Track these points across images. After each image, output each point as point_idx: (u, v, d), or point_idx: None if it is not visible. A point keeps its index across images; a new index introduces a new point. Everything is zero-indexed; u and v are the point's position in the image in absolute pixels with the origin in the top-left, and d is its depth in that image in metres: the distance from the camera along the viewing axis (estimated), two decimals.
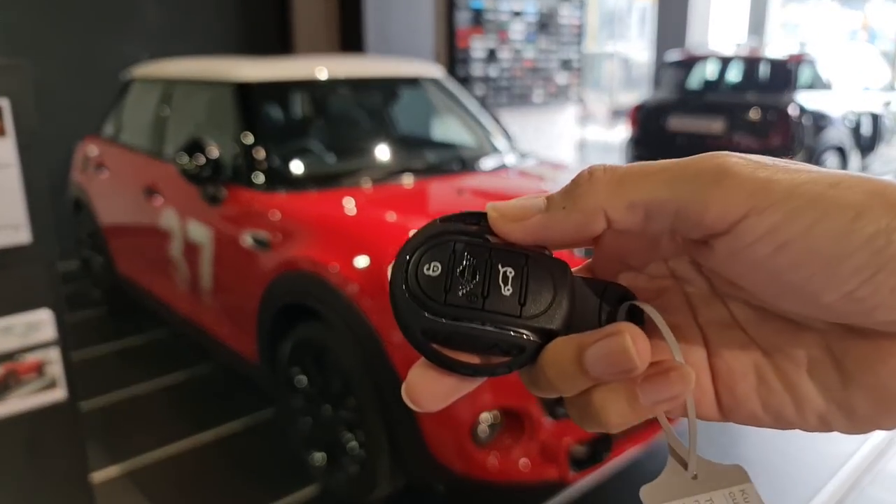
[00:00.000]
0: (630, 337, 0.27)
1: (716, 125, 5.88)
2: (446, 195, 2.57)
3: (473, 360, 0.29)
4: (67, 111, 5.46)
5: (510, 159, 3.12)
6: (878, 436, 2.61)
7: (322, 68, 3.03)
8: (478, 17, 7.98)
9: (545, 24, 8.69)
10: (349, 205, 2.44)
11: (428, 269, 0.29)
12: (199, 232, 2.86)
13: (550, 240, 0.29)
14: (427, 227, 0.31)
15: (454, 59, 7.88)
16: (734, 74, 6.29)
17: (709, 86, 6.39)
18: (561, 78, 9.10)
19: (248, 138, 2.77)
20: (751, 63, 6.16)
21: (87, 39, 5.50)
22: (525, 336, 0.28)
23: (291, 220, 2.44)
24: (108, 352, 3.59)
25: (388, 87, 3.35)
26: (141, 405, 3.05)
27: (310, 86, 3.13)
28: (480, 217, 0.31)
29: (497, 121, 3.56)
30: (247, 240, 2.55)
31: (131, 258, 3.72)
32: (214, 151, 2.72)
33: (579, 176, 0.29)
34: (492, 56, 8.20)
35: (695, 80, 6.53)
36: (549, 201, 0.30)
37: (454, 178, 2.77)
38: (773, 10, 11.48)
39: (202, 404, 3.07)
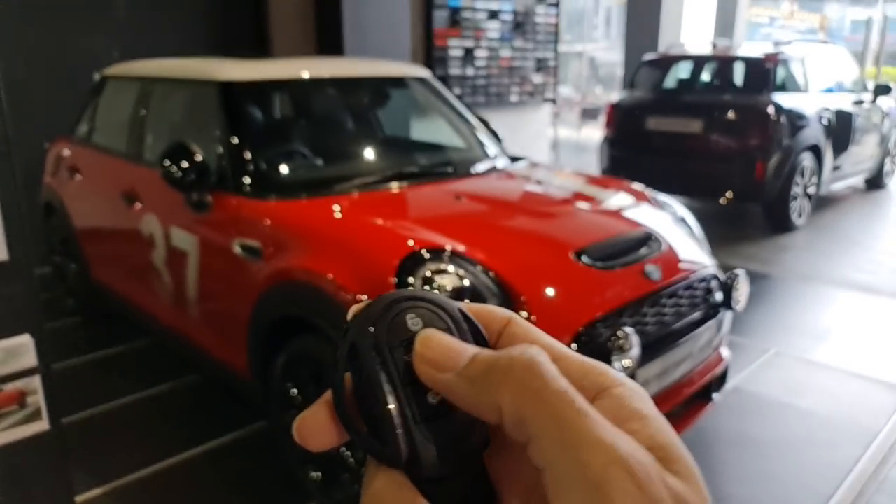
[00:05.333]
0: None
1: (694, 125, 5.91)
2: (443, 201, 2.51)
3: (361, 424, 0.29)
4: (36, 110, 5.25)
5: (502, 162, 3.07)
6: (880, 442, 2.63)
7: (309, 68, 2.94)
8: (455, 17, 7.92)
9: (521, 23, 8.67)
10: (344, 212, 2.36)
11: (411, 321, 0.29)
12: (184, 239, 2.75)
13: (454, 401, 0.28)
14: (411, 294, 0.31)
15: (432, 58, 7.82)
16: (711, 74, 6.34)
17: (686, 85, 6.43)
18: (536, 77, 9.10)
19: (235, 141, 2.67)
20: (728, 63, 6.22)
21: (56, 35, 5.30)
22: (401, 444, 0.28)
23: (284, 228, 2.35)
24: (85, 363, 3.44)
25: (378, 88, 3.27)
26: (123, 420, 2.93)
27: (298, 86, 3.03)
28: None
29: (485, 122, 3.51)
30: (236, 248, 2.45)
31: (108, 265, 3.57)
32: (199, 155, 2.62)
33: (498, 360, 0.28)
34: (468, 55, 8.16)
35: (672, 79, 6.56)
36: (467, 367, 0.28)
37: (448, 183, 2.70)
38: (742, 10, 11.65)
39: (188, 417, 2.96)
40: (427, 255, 1.95)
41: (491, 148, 3.24)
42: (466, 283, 1.91)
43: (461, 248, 2.02)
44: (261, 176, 2.63)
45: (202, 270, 2.67)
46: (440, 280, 1.89)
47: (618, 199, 2.69)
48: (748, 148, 5.60)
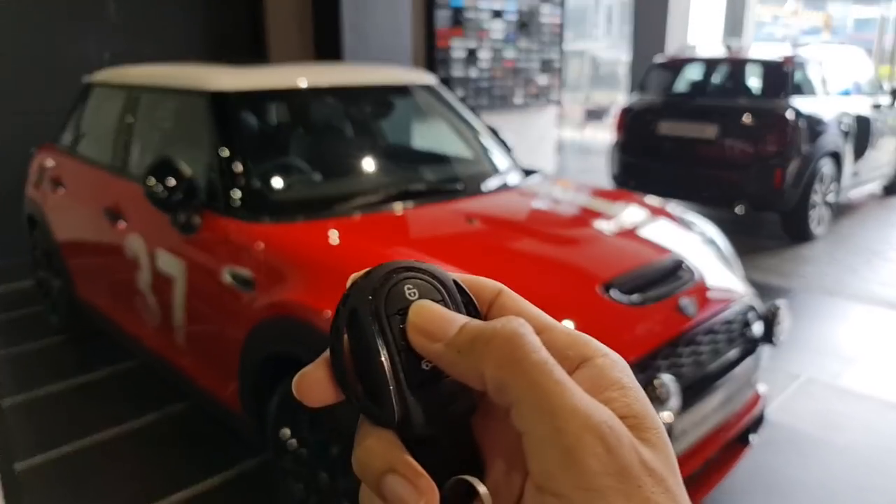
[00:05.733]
0: (426, 502, 0.29)
1: (708, 130, 5.68)
2: (454, 224, 2.28)
3: (354, 379, 0.30)
4: (22, 115, 5.03)
5: (515, 177, 2.85)
6: None
7: (307, 76, 2.71)
8: (457, 17, 7.69)
9: (525, 23, 8.44)
10: (344, 238, 2.14)
11: (408, 291, 0.31)
12: (170, 263, 2.53)
13: (444, 368, 0.30)
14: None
15: (433, 60, 7.59)
16: (725, 77, 6.11)
17: (699, 89, 6.19)
18: (541, 79, 8.87)
19: (226, 157, 2.45)
20: (743, 65, 5.99)
21: (45, 37, 5.08)
22: (394, 405, 0.29)
23: (278, 255, 2.13)
24: (67, 389, 3.22)
25: (381, 98, 3.05)
26: (106, 455, 2.71)
27: (294, 96, 2.80)
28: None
29: (494, 132, 3.29)
30: (226, 277, 2.23)
31: (93, 283, 3.36)
32: (187, 172, 2.40)
33: (483, 332, 0.29)
34: (471, 56, 7.93)
35: (684, 82, 6.33)
36: (455, 337, 0.29)
37: (459, 202, 2.48)
38: (751, 9, 11.40)
39: (174, 454, 2.74)
40: None
41: (502, 161, 3.01)
42: None
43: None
44: (253, 195, 2.41)
45: (189, 298, 2.45)
46: None
47: (643, 221, 2.47)
48: (766, 154, 5.38)
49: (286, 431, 2.06)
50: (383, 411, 0.29)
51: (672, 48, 10.24)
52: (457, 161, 2.99)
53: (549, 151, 9.62)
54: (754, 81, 5.85)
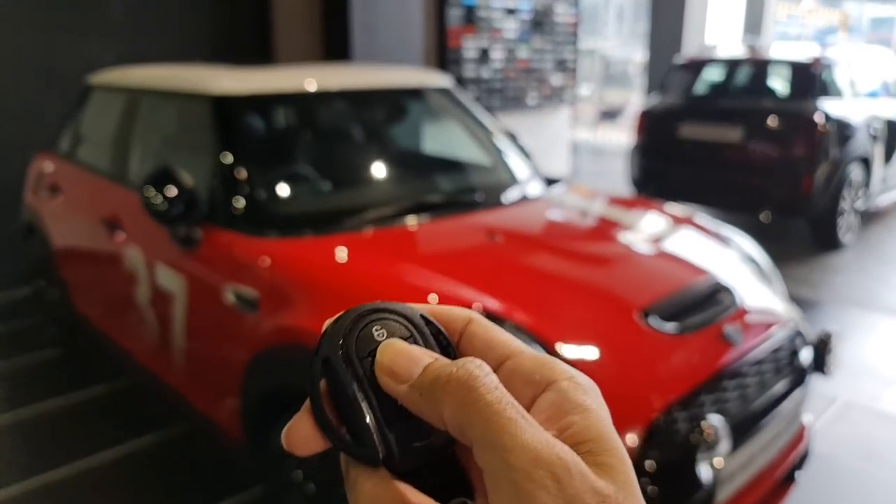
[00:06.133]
0: None
1: (732, 133, 5.48)
2: (475, 241, 2.11)
3: (336, 424, 0.31)
4: (22, 118, 4.90)
5: (536, 187, 2.67)
6: None
7: (315, 79, 2.55)
8: (470, 15, 7.51)
9: (539, 22, 8.25)
10: (357, 256, 1.97)
11: (376, 333, 0.32)
12: (170, 279, 2.37)
13: (410, 409, 0.31)
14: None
15: (445, 59, 7.41)
16: (750, 78, 5.89)
17: (722, 90, 5.98)
18: (556, 79, 8.68)
19: (229, 166, 2.29)
20: (769, 66, 5.77)
21: (45, 38, 4.94)
22: (377, 444, 0.30)
23: (284, 275, 1.96)
24: (60, 408, 3.07)
25: (393, 102, 2.88)
26: (95, 484, 2.55)
27: (302, 100, 2.64)
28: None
29: (513, 137, 3.11)
30: (228, 296, 2.07)
31: (90, 297, 3.21)
32: (187, 182, 2.24)
33: (439, 375, 0.30)
34: (484, 56, 7.75)
35: (706, 84, 6.12)
36: (418, 379, 0.30)
37: (478, 215, 2.31)
38: (771, 7, 11.15)
39: (172, 481, 2.58)
40: None
41: (523, 169, 2.84)
42: None
43: (500, 306, 1.63)
44: (258, 208, 2.24)
45: (190, 317, 2.29)
46: None
47: (678, 237, 2.29)
48: (794, 159, 5.17)
49: (295, 471, 1.90)
50: (367, 451, 0.30)
51: (689, 48, 10.02)
52: (475, 170, 2.81)
53: (563, 153, 9.42)
54: (780, 83, 5.64)
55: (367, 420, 0.30)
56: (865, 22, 24.73)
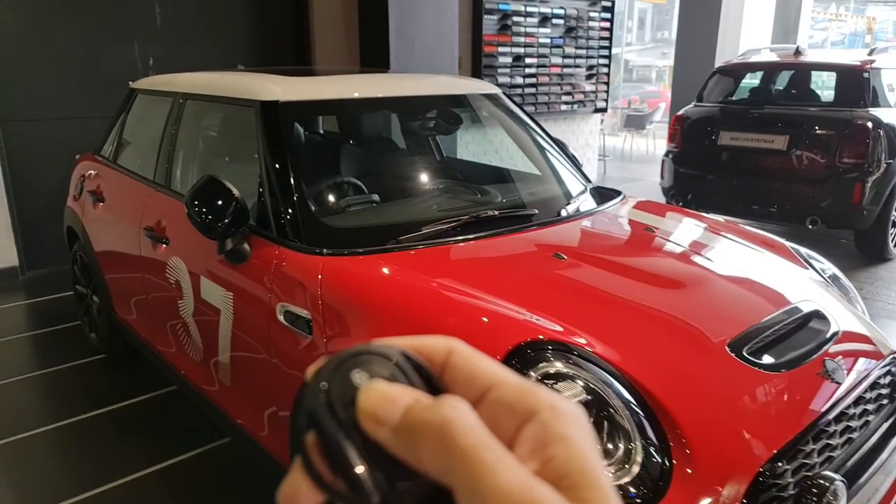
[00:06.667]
0: None
1: (777, 141, 5.30)
2: (540, 261, 1.98)
3: (329, 476, 0.30)
4: (65, 120, 4.88)
5: (596, 200, 2.54)
6: None
7: (368, 86, 2.44)
8: (505, 21, 7.39)
9: (572, 27, 8.11)
10: (418, 278, 1.85)
11: (357, 376, 0.31)
12: (216, 294, 2.27)
13: (394, 453, 0.30)
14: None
15: (479, 66, 7.30)
16: (795, 84, 5.71)
17: (765, 96, 5.79)
18: (587, 85, 8.53)
19: (279, 176, 2.19)
20: (815, 72, 5.58)
21: (87, 40, 4.92)
22: (370, 492, 0.29)
23: (339, 295, 1.85)
24: (99, 417, 3.00)
25: (445, 110, 2.76)
26: (144, 494, 2.46)
27: (356, 107, 2.53)
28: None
29: (562, 146, 2.98)
30: (280, 315, 1.96)
31: (132, 304, 3.13)
32: (235, 194, 2.14)
33: (415, 421, 0.29)
34: (517, 62, 7.62)
35: (748, 89, 5.94)
36: (398, 424, 0.29)
37: (539, 233, 2.18)
38: (806, 12, 10.89)
39: (215, 495, 2.48)
40: (545, 351, 1.43)
41: (577, 181, 2.71)
42: (591, 395, 1.38)
43: (580, 338, 1.50)
44: (310, 221, 2.14)
45: (237, 334, 2.19)
46: (561, 390, 1.37)
47: (757, 257, 2.14)
48: (843, 167, 4.97)
49: None
50: (362, 499, 0.29)
51: (724, 54, 9.80)
52: (530, 181, 2.68)
53: (593, 160, 9.26)
54: (828, 89, 5.44)
55: (358, 468, 0.29)
56: (892, 27, 24.28)
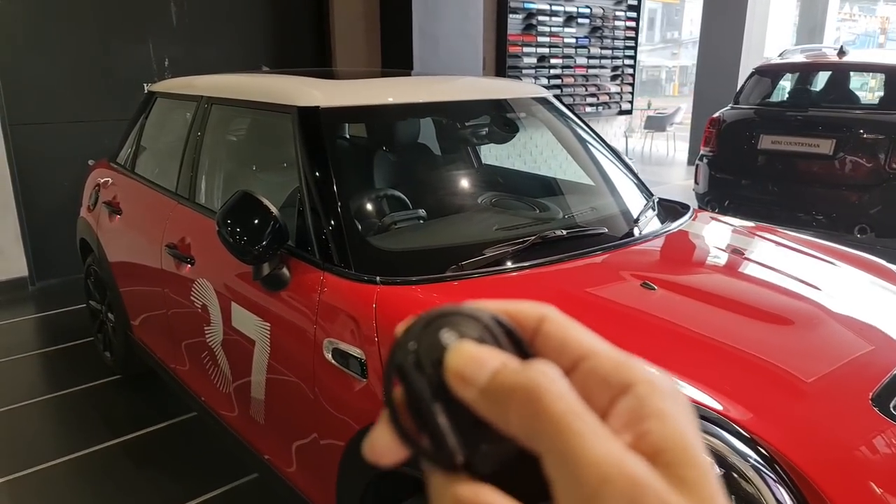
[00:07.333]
0: None
1: (822, 145, 5.03)
2: (629, 293, 1.73)
3: (414, 432, 0.30)
4: (78, 123, 4.66)
5: (667, 217, 2.29)
6: None
7: (418, 90, 2.20)
8: (530, 21, 7.14)
9: (598, 27, 7.85)
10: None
11: (447, 336, 0.31)
12: (250, 324, 2.04)
13: (480, 414, 0.29)
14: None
15: (503, 66, 7.06)
16: (839, 85, 5.44)
17: (808, 98, 5.52)
18: (612, 86, 8.27)
19: (322, 191, 1.95)
20: (861, 72, 5.31)
21: (101, 41, 4.70)
22: (454, 450, 0.29)
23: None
24: (119, 445, 2.77)
25: (499, 116, 2.51)
26: None
27: (405, 114, 2.29)
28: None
29: (617, 153, 2.74)
30: (327, 353, 1.72)
31: (152, 325, 2.90)
32: (272, 211, 1.90)
33: (504, 383, 0.28)
34: (542, 62, 7.37)
35: (788, 91, 5.67)
36: (486, 385, 0.28)
37: (615, 255, 1.93)
38: (833, 12, 10.59)
39: None
40: None
41: (640, 193, 2.46)
42: (726, 469, 1.13)
43: (710, 399, 1.25)
44: (358, 242, 1.90)
45: (275, 370, 1.95)
46: None
47: (867, 284, 1.88)
48: (894, 173, 4.70)
49: None
50: (446, 456, 0.29)
51: (749, 54, 9.52)
52: (588, 194, 2.43)
53: None
54: (875, 90, 5.17)
55: (443, 425, 0.29)
56: None
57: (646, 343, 1.43)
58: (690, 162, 9.66)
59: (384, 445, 0.31)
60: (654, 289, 1.69)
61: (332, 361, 1.70)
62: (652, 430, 0.26)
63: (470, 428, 0.29)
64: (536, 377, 0.27)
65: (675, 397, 0.28)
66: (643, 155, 11.80)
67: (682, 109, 12.23)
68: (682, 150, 11.42)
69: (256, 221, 1.88)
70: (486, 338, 0.31)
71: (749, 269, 1.92)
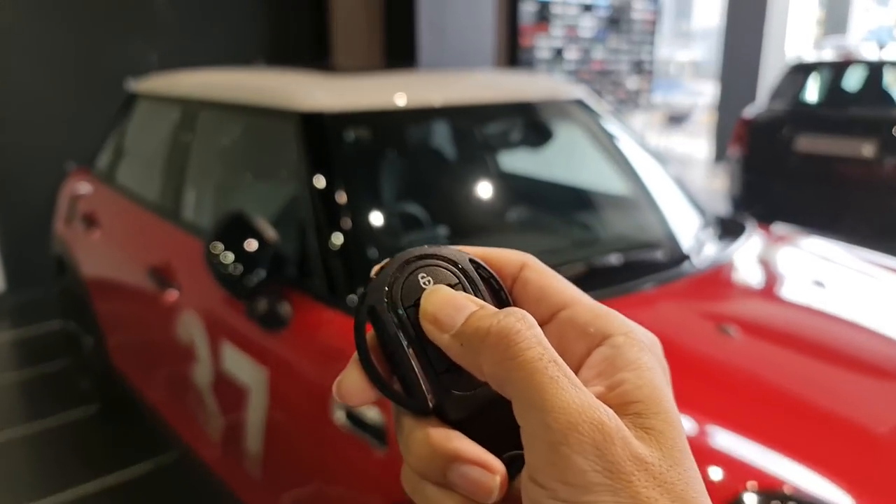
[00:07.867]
0: (500, 479, 0.28)
1: (865, 148, 4.69)
2: (703, 337, 1.40)
3: (385, 375, 0.30)
4: (58, 124, 4.34)
5: (714, 239, 1.96)
6: None
7: (434, 89, 1.87)
8: (543, 12, 6.80)
9: (616, 19, 7.50)
10: None
11: (422, 280, 0.30)
12: (244, 368, 1.72)
13: (452, 359, 0.30)
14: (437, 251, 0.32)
15: (516, 59, 6.71)
16: (881, 84, 5.08)
17: (847, 97, 5.17)
18: (631, 82, 7.92)
19: (329, 212, 1.63)
20: None
21: (84, 36, 4.37)
22: (426, 393, 0.29)
23: None
24: (98, 491, 2.46)
25: (530, 121, 2.18)
26: None
27: (423, 119, 1.95)
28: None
29: (661, 160, 2.40)
30: (337, 416, 1.40)
31: (132, 354, 2.59)
32: (270, 236, 1.59)
33: (479, 327, 0.28)
34: (558, 56, 7.02)
35: (825, 89, 5.32)
36: (460, 329, 0.29)
37: (675, 287, 1.60)
38: (857, 6, 10.19)
39: None
40: None
41: (692, 212, 2.12)
42: None
43: (804, 478, 0.93)
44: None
45: (273, 423, 1.64)
46: None
47: None
48: None
49: None
50: (417, 401, 0.29)
51: (769, 49, 9.14)
52: (645, 214, 2.10)
53: None
54: None
55: (415, 369, 0.29)
56: None
57: (741, 409, 1.11)
58: (714, 160, 9.26)
59: (354, 387, 0.30)
60: (731, 334, 1.36)
61: (345, 423, 1.37)
62: (626, 380, 0.27)
63: (442, 373, 0.29)
64: (510, 323, 0.28)
65: (652, 349, 0.29)
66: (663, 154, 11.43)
67: (699, 106, 11.85)
68: (701, 147, 11.02)
69: (251, 248, 1.57)
70: (464, 283, 0.30)
71: (832, 304, 1.59)
